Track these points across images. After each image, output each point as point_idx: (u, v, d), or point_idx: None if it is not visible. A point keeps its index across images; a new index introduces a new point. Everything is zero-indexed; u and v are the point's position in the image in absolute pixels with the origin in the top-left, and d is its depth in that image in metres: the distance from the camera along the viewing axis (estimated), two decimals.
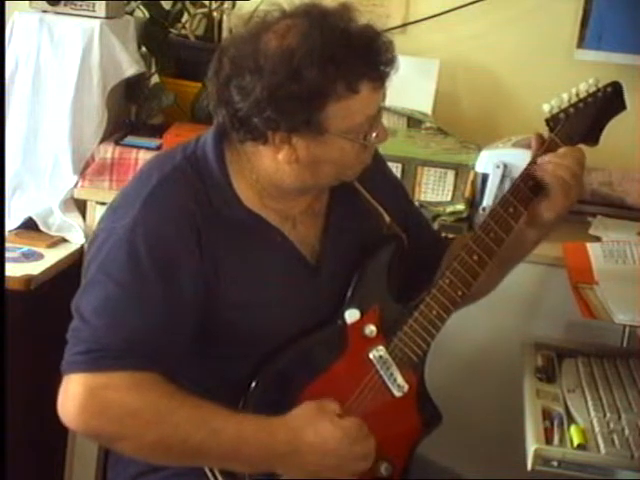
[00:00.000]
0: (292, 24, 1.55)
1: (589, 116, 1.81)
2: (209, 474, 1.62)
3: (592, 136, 1.83)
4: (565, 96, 1.80)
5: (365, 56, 1.55)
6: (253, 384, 1.62)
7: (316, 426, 1.59)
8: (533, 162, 1.75)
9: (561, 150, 1.74)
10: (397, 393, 1.70)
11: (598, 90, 1.82)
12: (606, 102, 1.83)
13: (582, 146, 1.80)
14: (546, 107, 1.79)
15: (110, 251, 1.57)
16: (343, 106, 1.55)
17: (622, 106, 1.86)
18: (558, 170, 1.70)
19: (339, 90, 1.53)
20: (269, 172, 1.63)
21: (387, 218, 1.76)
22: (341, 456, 1.59)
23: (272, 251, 1.66)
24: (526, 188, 1.74)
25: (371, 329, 1.68)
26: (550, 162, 1.72)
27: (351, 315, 1.68)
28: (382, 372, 1.68)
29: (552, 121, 1.79)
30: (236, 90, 1.55)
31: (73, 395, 1.52)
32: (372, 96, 1.58)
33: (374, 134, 1.62)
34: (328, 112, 1.54)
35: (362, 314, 1.68)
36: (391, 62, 1.59)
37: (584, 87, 1.82)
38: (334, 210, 1.74)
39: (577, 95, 1.81)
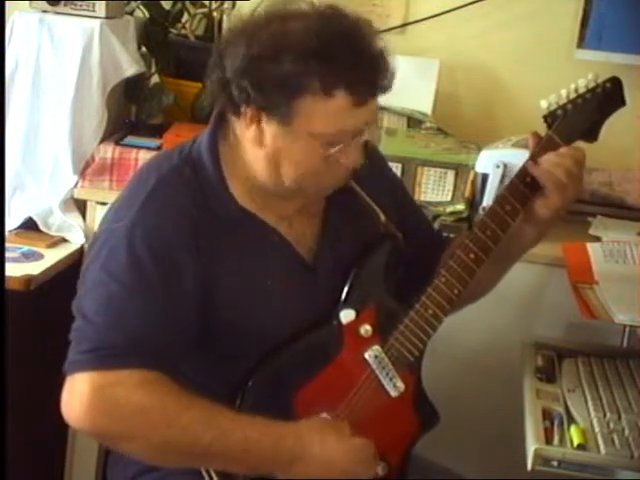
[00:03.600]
0: (303, 15, 1.57)
1: (588, 112, 1.77)
2: (204, 474, 1.62)
3: (591, 133, 1.79)
4: (564, 92, 1.76)
5: (353, 65, 1.53)
6: (249, 384, 1.62)
7: (324, 438, 1.59)
8: (530, 160, 1.73)
9: (561, 149, 1.72)
10: (393, 393, 1.69)
11: (597, 86, 1.78)
12: (605, 98, 1.78)
13: (582, 144, 1.78)
14: (544, 103, 1.75)
15: (111, 252, 1.58)
16: (315, 106, 1.54)
17: (622, 102, 1.80)
18: (553, 169, 1.69)
19: (313, 86, 1.52)
20: (249, 164, 1.62)
21: (383, 218, 1.76)
22: (343, 472, 1.60)
23: (269, 251, 1.66)
24: (522, 186, 1.72)
25: (366, 329, 1.68)
26: (547, 161, 1.70)
27: (346, 315, 1.67)
28: (378, 372, 1.68)
29: (550, 117, 1.76)
30: (229, 54, 1.57)
31: (79, 394, 1.51)
32: (350, 111, 1.55)
33: (336, 148, 1.58)
34: (299, 104, 1.54)
35: (357, 314, 1.68)
36: (380, 86, 1.57)
37: (583, 83, 1.77)
38: (331, 210, 1.73)
39: (576, 91, 1.77)
